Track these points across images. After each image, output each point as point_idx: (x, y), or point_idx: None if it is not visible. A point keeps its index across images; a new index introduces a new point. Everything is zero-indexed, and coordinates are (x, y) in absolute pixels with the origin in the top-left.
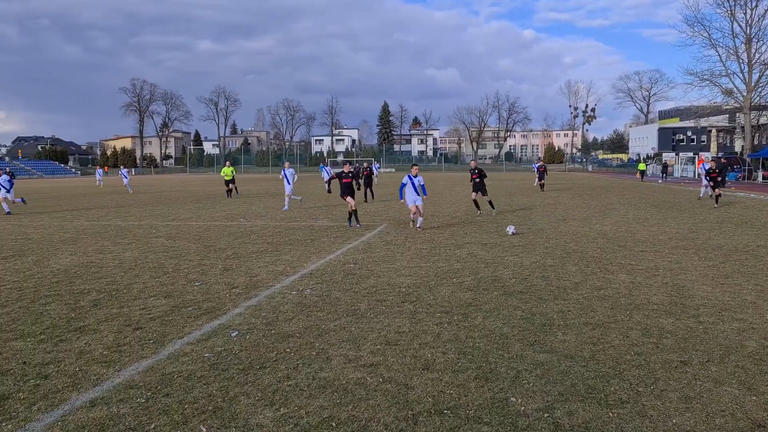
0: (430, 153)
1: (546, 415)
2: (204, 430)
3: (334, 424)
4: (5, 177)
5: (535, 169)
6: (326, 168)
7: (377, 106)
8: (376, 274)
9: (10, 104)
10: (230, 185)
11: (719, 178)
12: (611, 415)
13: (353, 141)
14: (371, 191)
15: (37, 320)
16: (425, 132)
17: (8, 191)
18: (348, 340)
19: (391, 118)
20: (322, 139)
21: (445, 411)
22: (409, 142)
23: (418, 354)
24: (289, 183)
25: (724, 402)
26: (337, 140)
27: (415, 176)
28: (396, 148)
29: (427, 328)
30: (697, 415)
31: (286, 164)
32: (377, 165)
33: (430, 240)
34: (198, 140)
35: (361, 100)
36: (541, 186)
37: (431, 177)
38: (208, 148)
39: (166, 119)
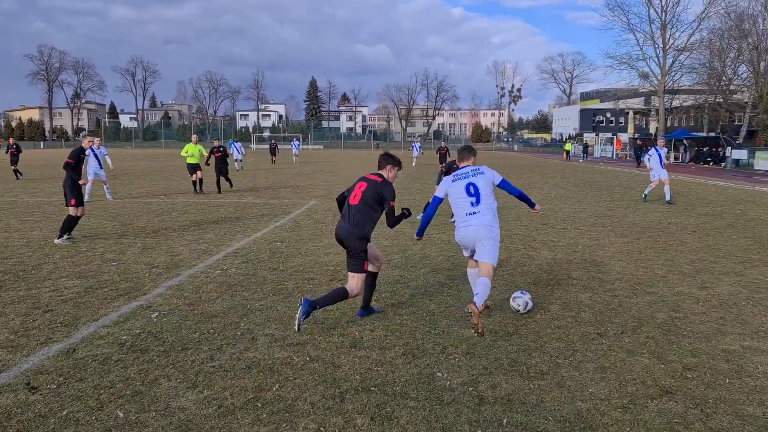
0: (359, 130)
1: (471, 388)
2: (121, 414)
3: (259, 405)
4: None
5: (416, 150)
6: (236, 144)
7: (305, 82)
8: (303, 252)
9: None
10: (197, 173)
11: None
12: (532, 386)
13: (280, 116)
14: (226, 178)
15: None
16: (354, 109)
17: None
18: (274, 319)
19: (319, 94)
20: (248, 114)
21: (372, 388)
22: (337, 118)
23: (346, 332)
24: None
25: (636, 371)
26: (263, 115)
27: None
28: (324, 124)
29: (356, 306)
30: (611, 384)
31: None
32: (297, 143)
33: None
34: (114, 113)
35: (288, 75)
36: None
37: (360, 156)
38: (125, 121)
39: (78, 90)
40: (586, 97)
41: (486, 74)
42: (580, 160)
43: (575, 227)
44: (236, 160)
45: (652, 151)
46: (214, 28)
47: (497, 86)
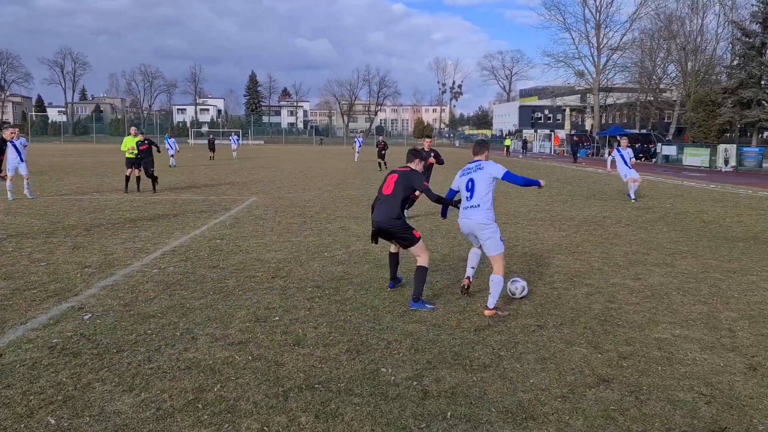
0: (300, 125)
1: (415, 383)
2: (53, 421)
3: (200, 406)
4: None
5: (358, 145)
6: (170, 140)
7: (244, 76)
8: (244, 249)
9: None
10: (135, 170)
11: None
12: (475, 379)
13: (219, 111)
14: (149, 175)
15: None
16: (295, 104)
17: None
18: (215, 318)
19: (259, 89)
20: (185, 109)
21: (317, 385)
22: (278, 113)
23: (289, 329)
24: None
25: (574, 361)
26: (201, 110)
27: None
28: (265, 119)
29: (298, 303)
30: (551, 374)
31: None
32: (235, 137)
33: (302, 214)
34: (41, 106)
35: (227, 69)
36: (382, 165)
37: (302, 150)
38: (54, 115)
39: (2, 81)
40: (525, 94)
41: (427, 70)
42: (520, 156)
43: (515, 221)
44: (171, 156)
45: (614, 153)
46: (148, 19)
47: (438, 82)
